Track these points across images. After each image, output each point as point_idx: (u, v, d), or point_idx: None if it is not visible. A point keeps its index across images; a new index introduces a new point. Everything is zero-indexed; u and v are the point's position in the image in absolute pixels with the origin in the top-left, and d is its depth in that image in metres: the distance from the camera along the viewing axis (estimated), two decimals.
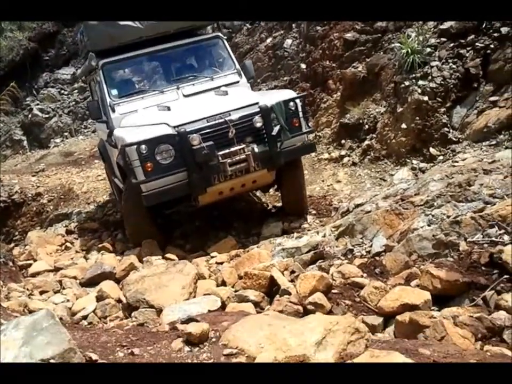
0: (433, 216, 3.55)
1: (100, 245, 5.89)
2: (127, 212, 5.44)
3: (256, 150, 4.91)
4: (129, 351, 2.22)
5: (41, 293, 4.30)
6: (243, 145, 4.87)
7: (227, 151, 4.82)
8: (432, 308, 2.88)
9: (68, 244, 6.31)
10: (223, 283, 3.81)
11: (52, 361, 1.81)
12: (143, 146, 4.71)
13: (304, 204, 5.68)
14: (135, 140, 4.76)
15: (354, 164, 6.29)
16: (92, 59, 5.84)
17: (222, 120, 4.88)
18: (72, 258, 5.71)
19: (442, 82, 5.69)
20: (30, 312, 3.53)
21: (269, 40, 9.15)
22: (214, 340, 2.38)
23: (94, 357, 2.07)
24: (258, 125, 4.95)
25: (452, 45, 5.84)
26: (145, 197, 4.81)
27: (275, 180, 5.50)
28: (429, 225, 3.49)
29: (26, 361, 1.83)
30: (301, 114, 5.24)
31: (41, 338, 1.88)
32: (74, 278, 4.82)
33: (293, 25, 8.79)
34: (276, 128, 4.95)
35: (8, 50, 12.10)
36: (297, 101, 5.27)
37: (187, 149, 4.74)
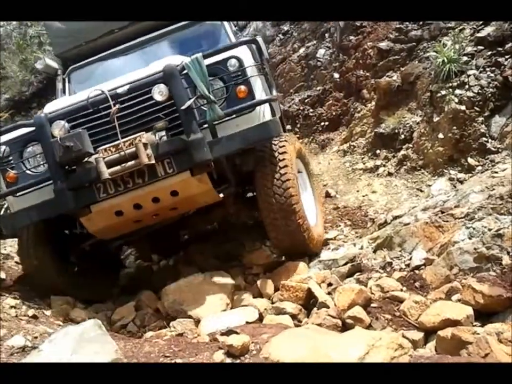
0: (474, 229, 3.48)
1: (137, 254, 5.97)
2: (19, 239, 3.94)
3: (159, 138, 3.27)
4: (173, 361, 2.26)
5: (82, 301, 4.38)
6: (140, 134, 3.20)
7: (112, 144, 3.23)
8: (475, 323, 2.82)
9: None
10: (260, 295, 3.81)
11: None
12: (3, 148, 3.46)
13: (296, 238, 3.78)
14: None
15: (390, 174, 6.21)
16: (37, 60, 4.95)
17: (103, 96, 3.30)
18: None
19: (479, 91, 5.59)
20: (71, 320, 3.62)
21: (301, 50, 9.17)
22: (254, 352, 2.39)
23: None
24: (160, 97, 3.26)
25: (489, 53, 5.74)
26: (3, 221, 3.55)
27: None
28: (470, 238, 3.42)
29: None
30: (251, 75, 3.36)
31: (89, 348, 1.93)
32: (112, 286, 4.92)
33: (326, 35, 8.80)
34: (189, 101, 3.20)
35: None
36: (242, 55, 3.40)
37: (47, 143, 3.27)
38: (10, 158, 3.47)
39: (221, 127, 3.32)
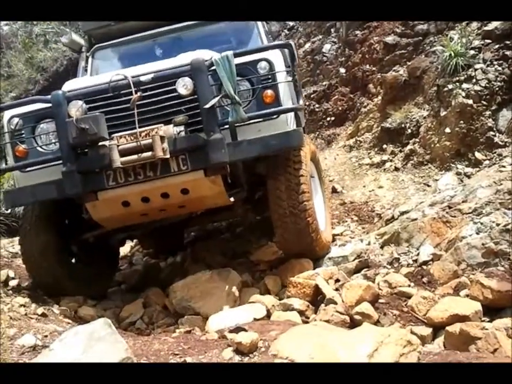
0: (482, 224, 3.47)
1: (145, 250, 5.99)
2: (21, 227, 3.79)
3: (177, 132, 3.14)
4: (182, 359, 2.27)
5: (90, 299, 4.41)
6: (158, 126, 3.10)
7: (128, 132, 3.12)
8: (483, 318, 2.82)
9: None
10: (267, 291, 3.82)
11: None
12: (16, 120, 3.37)
13: (304, 238, 3.67)
14: (6, 106, 3.47)
15: (396, 169, 6.19)
16: (64, 34, 4.87)
17: (126, 82, 3.20)
18: None
19: (487, 85, 5.55)
20: (80, 318, 3.64)
21: (307, 45, 9.16)
22: (263, 349, 2.40)
23: None
24: (184, 91, 3.17)
25: (496, 46, 5.70)
26: (6, 196, 3.45)
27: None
28: (477, 234, 3.42)
29: None
30: (280, 81, 3.26)
31: (99, 347, 1.95)
32: (120, 284, 4.95)
33: (332, 29, 8.77)
34: (214, 100, 3.11)
35: (53, 61, 12.50)
36: (274, 59, 3.27)
37: (62, 122, 3.17)
38: (22, 132, 3.38)
39: (242, 130, 3.21)
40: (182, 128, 3.17)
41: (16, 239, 5.77)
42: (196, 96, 3.16)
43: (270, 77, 3.23)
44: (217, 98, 3.11)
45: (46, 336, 2.71)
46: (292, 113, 3.53)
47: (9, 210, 5.64)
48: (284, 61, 3.39)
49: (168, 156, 3.07)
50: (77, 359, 1.90)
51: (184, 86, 3.16)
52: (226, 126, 3.18)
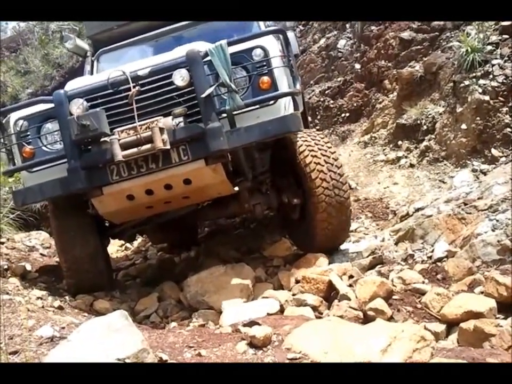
0: (497, 221, 3.45)
1: (159, 245, 6.04)
2: (56, 229, 3.86)
3: (176, 124, 3.19)
4: (197, 352, 2.30)
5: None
6: (158, 118, 3.15)
7: (129, 126, 3.17)
8: (498, 315, 2.80)
9: (128, 245, 6.51)
10: (281, 286, 3.83)
11: (127, 360, 1.90)
12: (21, 122, 3.47)
13: (345, 231, 3.93)
14: (11, 108, 3.58)
15: (412, 165, 6.16)
16: (68, 39, 4.91)
17: (124, 77, 3.26)
18: (132, 259, 5.90)
19: (504, 80, 5.49)
20: (96, 311, 3.69)
21: (322, 41, 9.11)
22: (276, 343, 2.42)
23: (164, 357, 2.15)
24: (181, 82, 3.21)
25: None
26: (15, 195, 3.55)
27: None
28: (493, 231, 3.40)
29: (101, 360, 1.92)
30: (275, 66, 3.29)
31: (116, 339, 1.98)
32: (135, 278, 5.00)
33: (347, 25, 8.72)
34: (210, 89, 3.14)
35: (69, 58, 12.61)
36: (268, 45, 3.32)
37: (64, 121, 3.23)
38: (28, 133, 3.47)
39: (241, 117, 3.24)
40: (181, 119, 3.21)
41: (33, 232, 5.88)
42: (193, 87, 3.19)
43: (265, 63, 3.27)
44: (212, 88, 3.15)
45: (63, 327, 2.75)
46: (289, 98, 3.53)
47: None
48: (279, 47, 3.43)
49: (168, 147, 3.11)
50: (94, 350, 1.94)
51: (180, 77, 3.20)
52: (225, 115, 3.22)
